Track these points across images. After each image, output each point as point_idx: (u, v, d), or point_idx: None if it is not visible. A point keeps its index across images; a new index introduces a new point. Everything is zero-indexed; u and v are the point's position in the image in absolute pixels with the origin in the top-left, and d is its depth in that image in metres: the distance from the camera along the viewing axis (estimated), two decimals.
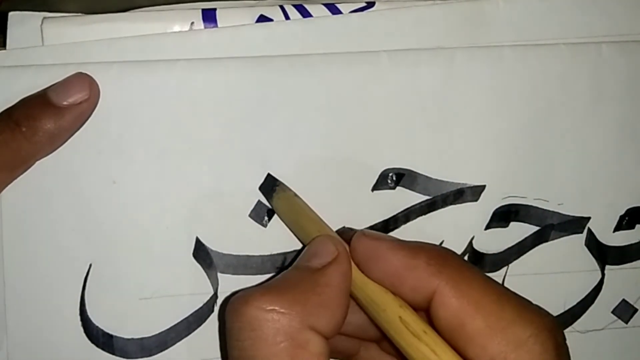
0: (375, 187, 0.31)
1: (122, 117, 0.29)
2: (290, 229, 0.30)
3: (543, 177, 0.32)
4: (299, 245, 0.30)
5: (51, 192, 0.29)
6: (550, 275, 0.32)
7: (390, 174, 0.31)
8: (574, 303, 0.32)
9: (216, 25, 0.30)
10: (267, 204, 0.30)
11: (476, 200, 0.31)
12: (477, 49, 0.31)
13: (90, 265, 0.29)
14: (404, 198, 0.31)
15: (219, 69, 0.29)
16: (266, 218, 0.30)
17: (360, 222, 0.31)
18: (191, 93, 0.29)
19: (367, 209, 0.31)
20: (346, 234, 0.28)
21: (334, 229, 0.29)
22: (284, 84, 0.30)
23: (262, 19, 0.30)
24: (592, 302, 0.32)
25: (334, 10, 0.31)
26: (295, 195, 0.30)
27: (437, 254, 0.25)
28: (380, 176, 0.31)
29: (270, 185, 0.30)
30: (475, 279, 0.24)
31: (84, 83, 0.28)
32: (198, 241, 0.30)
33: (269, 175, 0.30)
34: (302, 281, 0.25)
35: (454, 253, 0.26)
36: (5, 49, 0.29)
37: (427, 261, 0.24)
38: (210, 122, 0.30)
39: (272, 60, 0.30)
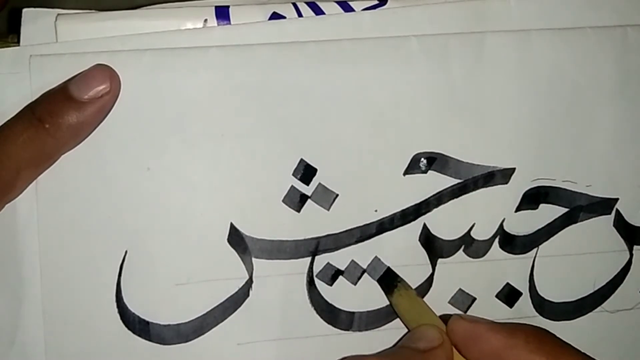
0: (407, 172, 0.31)
1: (155, 104, 0.29)
2: (404, 323, 0.31)
3: (571, 159, 0.32)
4: (332, 230, 0.31)
5: (86, 180, 0.29)
6: (579, 256, 0.32)
7: (422, 158, 0.31)
8: (603, 283, 0.33)
9: (229, 23, 0.30)
10: (300, 189, 0.30)
11: (506, 182, 0.32)
12: (506, 33, 0.31)
13: (126, 252, 0.29)
14: (435, 182, 0.31)
15: (251, 55, 0.30)
16: (299, 203, 0.30)
17: (393, 206, 0.31)
18: (224, 79, 0.29)
19: (399, 193, 0.31)
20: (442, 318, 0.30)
21: (368, 213, 0.30)
22: (316, 69, 0.30)
23: (275, 16, 0.31)
24: (621, 282, 0.33)
25: (346, 7, 0.31)
26: (417, 295, 0.31)
27: (534, 333, 0.27)
28: (411, 160, 0.31)
29: (390, 280, 0.31)
30: (573, 356, 0.26)
31: (105, 75, 0.28)
32: (232, 227, 0.30)
33: (388, 269, 0.31)
34: (411, 358, 0.27)
35: (550, 332, 0.27)
36: (19, 45, 0.29)
37: (525, 339, 0.26)
38: (243, 108, 0.30)
39: (303, 46, 0.30)
